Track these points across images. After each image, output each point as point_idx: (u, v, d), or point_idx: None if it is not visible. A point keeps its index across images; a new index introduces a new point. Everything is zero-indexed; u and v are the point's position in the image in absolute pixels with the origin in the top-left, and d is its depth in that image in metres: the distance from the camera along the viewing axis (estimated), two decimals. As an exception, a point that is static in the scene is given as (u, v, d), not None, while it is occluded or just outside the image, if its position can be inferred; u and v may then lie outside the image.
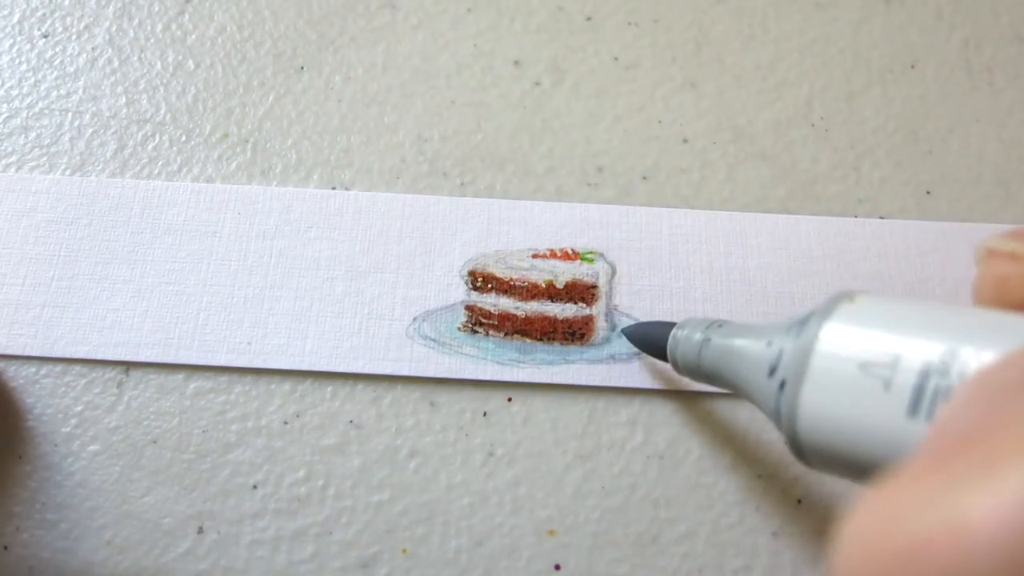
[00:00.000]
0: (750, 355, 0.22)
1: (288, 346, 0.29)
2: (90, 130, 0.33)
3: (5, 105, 0.33)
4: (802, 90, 0.34)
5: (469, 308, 0.29)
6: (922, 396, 0.16)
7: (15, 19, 0.35)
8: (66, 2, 0.35)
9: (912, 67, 0.35)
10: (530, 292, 0.30)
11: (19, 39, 0.35)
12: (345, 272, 0.30)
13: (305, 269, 0.30)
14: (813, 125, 0.33)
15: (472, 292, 0.30)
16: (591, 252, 0.30)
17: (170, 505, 0.27)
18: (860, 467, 0.17)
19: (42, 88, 0.33)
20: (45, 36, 0.35)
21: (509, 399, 0.28)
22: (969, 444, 0.11)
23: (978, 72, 0.35)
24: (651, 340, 0.27)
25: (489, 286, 0.30)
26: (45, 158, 0.32)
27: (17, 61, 0.34)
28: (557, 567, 0.26)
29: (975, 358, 0.15)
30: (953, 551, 0.10)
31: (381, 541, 0.26)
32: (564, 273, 0.30)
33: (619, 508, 0.27)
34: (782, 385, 0.19)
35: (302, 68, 0.34)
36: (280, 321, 0.29)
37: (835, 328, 0.18)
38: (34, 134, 0.32)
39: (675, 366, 0.25)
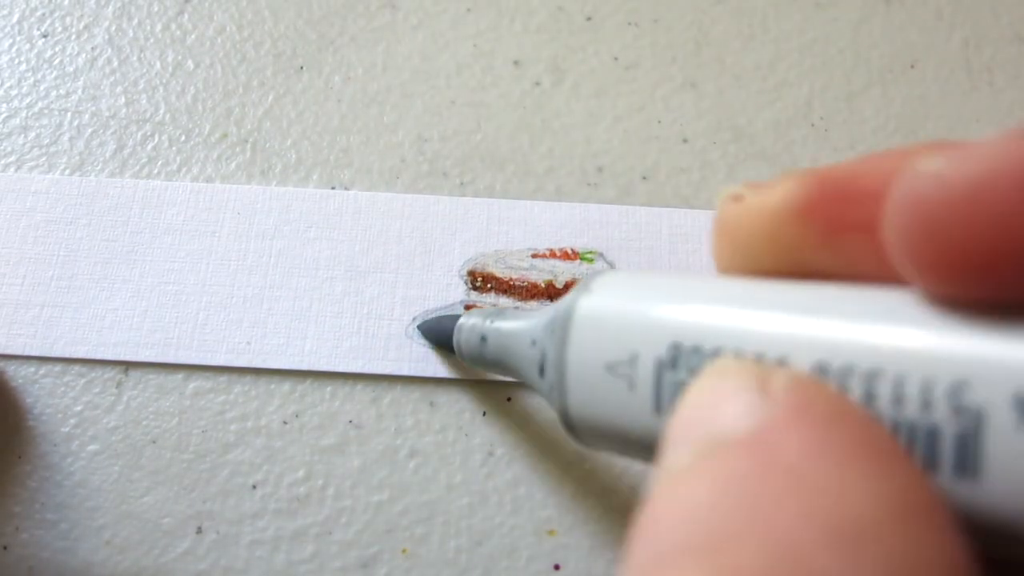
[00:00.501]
0: (521, 352, 0.21)
1: (287, 346, 0.29)
2: (89, 130, 0.33)
3: (4, 105, 0.33)
4: (802, 90, 0.34)
5: (469, 308, 0.29)
6: (662, 393, 0.15)
7: (14, 19, 0.35)
8: (65, 2, 0.35)
9: (912, 67, 0.35)
10: (530, 292, 0.30)
11: (18, 39, 0.34)
12: (344, 272, 0.30)
13: (304, 269, 0.30)
14: (813, 125, 0.33)
15: (472, 292, 0.30)
16: (591, 252, 0.30)
17: (169, 505, 0.27)
18: (630, 453, 0.17)
19: (41, 88, 0.33)
20: (44, 36, 0.35)
21: (509, 399, 0.28)
22: (643, 566, 0.11)
23: (978, 72, 0.35)
24: (440, 333, 0.27)
25: (489, 286, 0.30)
26: (44, 158, 0.32)
27: (16, 61, 0.34)
28: (557, 567, 0.26)
29: (695, 351, 0.15)
30: None
31: (381, 541, 0.26)
32: (564, 273, 0.30)
33: (619, 508, 0.27)
34: (551, 387, 0.19)
35: (302, 68, 0.34)
36: (279, 321, 0.29)
37: (580, 328, 0.17)
38: (33, 134, 0.32)
39: (462, 357, 0.25)
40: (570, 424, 0.18)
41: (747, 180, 0.18)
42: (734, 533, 0.10)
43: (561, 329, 0.18)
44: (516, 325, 0.22)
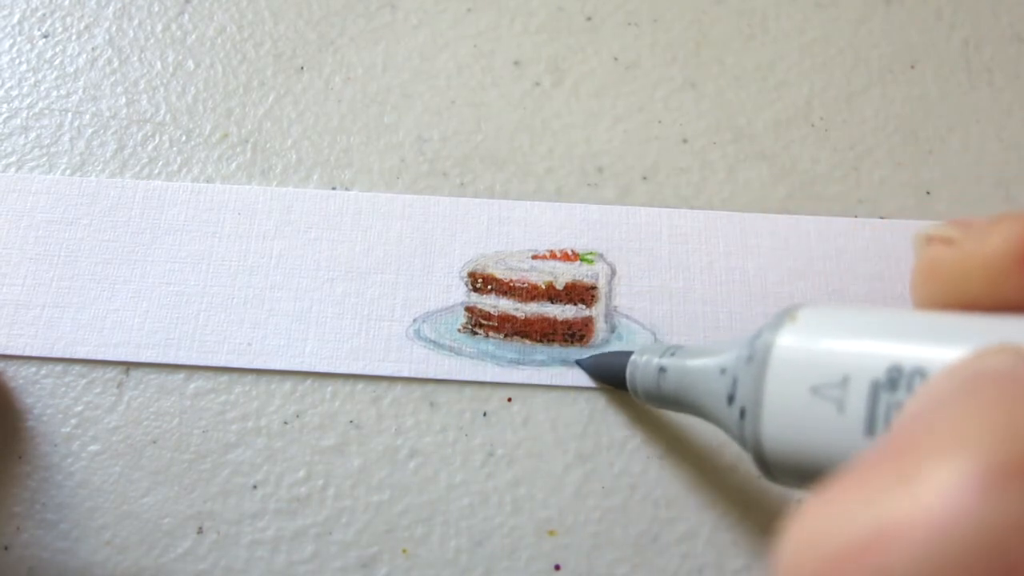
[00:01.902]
0: (707, 382, 0.21)
1: (288, 347, 0.29)
2: (90, 130, 0.33)
3: (5, 105, 0.33)
4: (802, 90, 0.34)
5: (469, 309, 0.29)
6: (875, 415, 0.15)
7: (15, 19, 0.35)
8: (66, 2, 0.35)
9: (912, 67, 0.35)
10: (530, 293, 0.30)
11: (19, 39, 0.35)
12: (345, 273, 0.30)
13: (305, 270, 0.30)
14: (813, 125, 0.33)
15: (472, 293, 0.30)
16: (591, 253, 0.30)
17: (170, 505, 0.27)
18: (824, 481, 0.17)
19: (42, 88, 0.33)
20: (45, 36, 0.35)
21: (509, 399, 0.28)
22: (903, 449, 0.11)
23: (978, 72, 0.35)
24: (609, 371, 0.27)
25: (489, 287, 0.30)
26: (45, 158, 0.32)
27: (17, 61, 0.34)
28: (557, 567, 0.26)
29: (918, 372, 0.15)
30: (876, 556, 0.10)
31: (381, 541, 0.26)
32: (564, 274, 0.30)
33: (619, 508, 0.27)
34: (742, 414, 0.19)
35: (302, 68, 0.34)
36: (280, 322, 0.29)
37: (783, 352, 0.18)
38: (34, 134, 0.32)
39: (635, 394, 0.25)
40: (760, 452, 0.18)
41: (950, 220, 0.18)
42: (997, 437, 0.11)
43: (762, 354, 0.18)
44: (702, 357, 0.22)
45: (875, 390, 0.15)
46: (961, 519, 0.10)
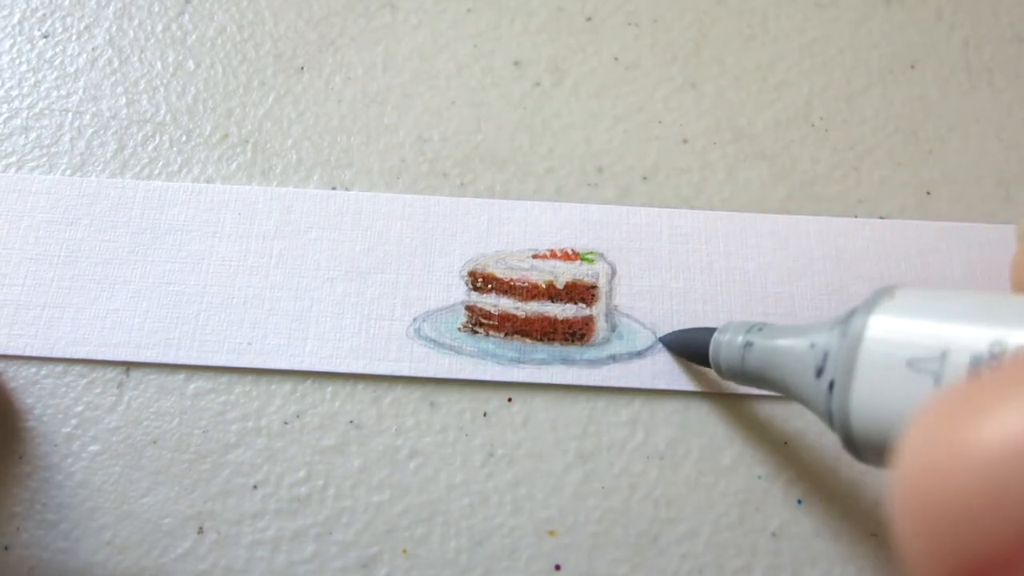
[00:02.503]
0: (794, 357, 0.21)
1: (288, 346, 0.29)
2: (90, 130, 0.33)
3: (5, 105, 0.33)
4: (802, 90, 0.34)
5: (469, 308, 0.29)
6: None
7: (15, 19, 0.35)
8: (66, 2, 0.35)
9: (912, 67, 0.35)
10: (530, 292, 0.30)
11: (19, 39, 0.35)
12: (345, 272, 0.30)
13: (305, 269, 0.30)
14: (813, 125, 0.33)
15: (472, 292, 0.30)
16: (591, 252, 0.30)
17: (170, 505, 0.27)
18: None
19: (42, 88, 0.33)
20: (45, 36, 0.35)
21: (509, 399, 0.28)
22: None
23: (978, 72, 0.35)
24: (691, 346, 0.27)
25: (489, 286, 0.30)
26: (45, 158, 0.32)
27: (17, 61, 0.34)
28: (557, 567, 0.26)
29: (1022, 348, 0.15)
30: (1005, 460, 0.10)
31: (381, 541, 0.26)
32: (564, 273, 0.30)
33: (619, 508, 0.27)
34: (831, 386, 0.19)
35: (302, 68, 0.34)
36: (280, 321, 0.29)
37: (879, 325, 0.18)
38: (34, 134, 0.32)
39: (719, 371, 0.25)
40: (847, 426, 0.18)
41: None
42: None
43: (858, 328, 0.18)
44: (791, 336, 0.22)
45: (976, 364, 0.15)
46: None
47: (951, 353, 0.16)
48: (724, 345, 0.25)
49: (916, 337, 0.17)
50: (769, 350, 0.23)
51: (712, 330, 0.26)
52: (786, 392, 0.22)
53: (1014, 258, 0.18)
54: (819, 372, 0.20)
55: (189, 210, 0.31)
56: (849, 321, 0.19)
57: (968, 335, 0.16)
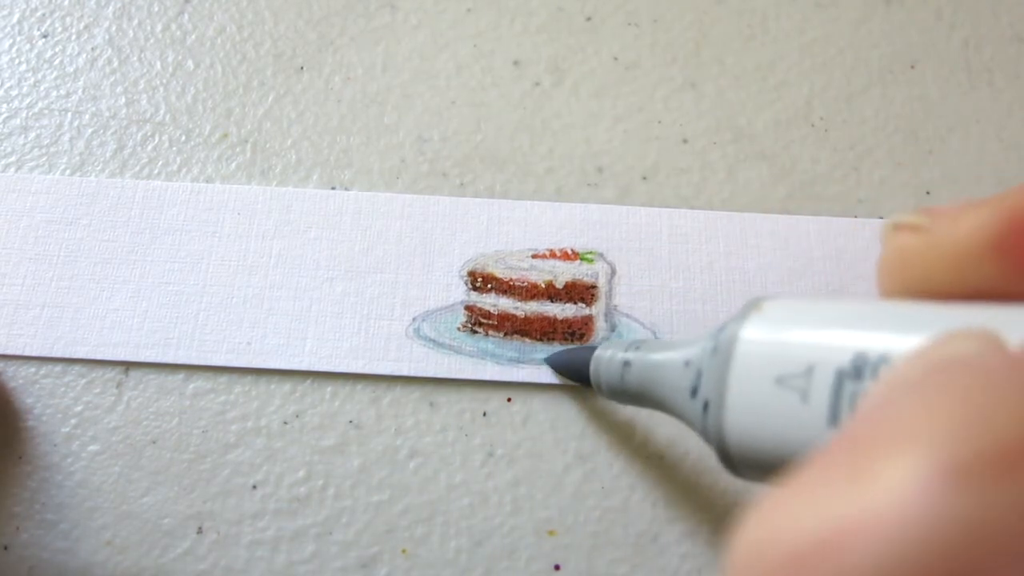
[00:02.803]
0: (670, 376, 0.21)
1: (288, 346, 0.29)
2: (90, 130, 0.33)
3: (5, 105, 0.33)
4: (802, 90, 0.34)
5: (469, 308, 0.29)
6: (839, 404, 0.15)
7: (14, 19, 0.35)
8: (66, 2, 0.35)
9: (912, 67, 0.35)
10: (530, 292, 0.30)
11: (19, 39, 0.34)
12: (345, 272, 0.30)
13: (305, 269, 0.30)
14: (813, 125, 0.33)
15: (472, 292, 0.30)
16: (591, 252, 0.30)
17: (170, 505, 0.27)
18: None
19: (41, 88, 0.33)
20: (44, 36, 0.35)
21: (509, 399, 0.28)
22: (859, 443, 0.11)
23: (978, 72, 0.35)
24: (573, 365, 0.27)
25: (489, 286, 0.30)
26: (45, 158, 0.32)
27: (16, 61, 0.34)
28: (557, 567, 0.26)
29: (883, 360, 0.15)
30: (830, 560, 0.10)
31: (381, 541, 0.26)
32: (564, 273, 0.30)
33: (619, 508, 0.27)
34: (705, 407, 0.19)
35: (302, 68, 0.34)
36: (280, 321, 0.29)
37: (748, 343, 0.18)
38: (34, 134, 0.32)
39: (599, 391, 0.25)
40: (724, 445, 0.18)
41: (919, 207, 0.18)
42: (957, 432, 0.10)
43: (726, 345, 0.18)
44: (666, 351, 0.22)
45: (840, 379, 0.15)
46: (913, 521, 0.09)
47: (816, 369, 0.16)
48: (604, 363, 0.24)
49: (783, 353, 0.17)
50: (647, 367, 0.22)
51: (593, 349, 0.26)
52: (668, 410, 0.22)
53: (879, 261, 0.17)
54: (694, 392, 0.20)
55: (188, 210, 0.31)
56: (719, 337, 0.19)
57: (832, 349, 0.16)
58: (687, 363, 0.20)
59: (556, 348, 0.29)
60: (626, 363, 0.23)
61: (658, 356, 0.22)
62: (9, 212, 0.31)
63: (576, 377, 0.27)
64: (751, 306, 0.18)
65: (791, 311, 0.18)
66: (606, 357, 0.24)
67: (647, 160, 0.32)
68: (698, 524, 0.27)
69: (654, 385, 0.22)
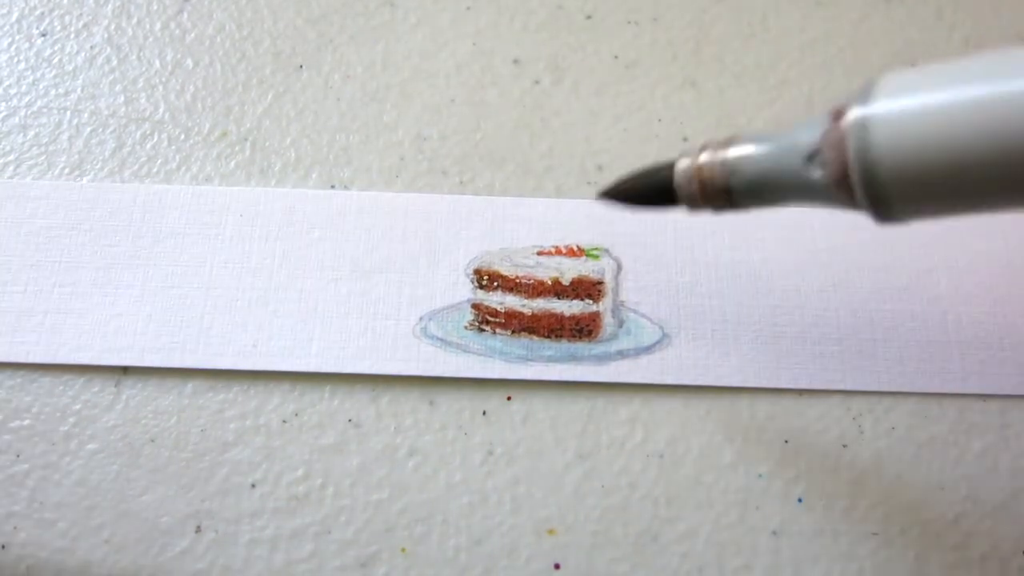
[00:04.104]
0: (786, 150, 0.21)
1: (294, 348, 0.29)
2: (88, 129, 0.32)
3: (4, 104, 0.33)
4: (802, 89, 0.34)
5: (475, 306, 0.29)
6: None
7: (13, 18, 0.35)
8: (64, 1, 0.35)
9: (912, 67, 0.35)
10: (536, 289, 0.29)
11: (17, 38, 0.34)
12: (350, 272, 0.30)
13: (309, 270, 0.30)
14: (813, 124, 0.33)
15: (478, 290, 0.30)
16: (596, 248, 0.30)
17: (168, 504, 0.27)
18: (967, 184, 0.18)
19: (40, 87, 0.33)
20: (43, 35, 0.35)
21: (508, 398, 0.28)
22: None
23: (978, 71, 0.35)
24: (647, 188, 0.24)
25: (495, 284, 0.30)
26: (43, 156, 0.32)
27: (15, 60, 0.34)
28: (557, 566, 0.26)
29: None
30: None
31: (380, 540, 0.26)
32: (570, 270, 0.30)
33: (619, 507, 0.27)
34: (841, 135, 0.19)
35: (301, 67, 0.34)
36: (285, 323, 0.29)
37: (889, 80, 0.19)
38: (32, 133, 0.32)
39: (693, 202, 0.23)
40: (872, 169, 0.19)
41: None
42: None
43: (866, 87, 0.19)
44: (764, 135, 0.22)
45: None
46: None
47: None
48: (706, 167, 0.22)
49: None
50: (752, 158, 0.22)
51: (662, 166, 0.24)
52: (778, 197, 0.22)
53: None
54: (811, 156, 0.20)
55: (190, 213, 0.31)
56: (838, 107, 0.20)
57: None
58: (795, 143, 0.21)
59: (564, 345, 0.29)
60: (724, 160, 0.22)
61: (762, 142, 0.22)
62: (9, 219, 0.31)
63: (651, 199, 0.24)
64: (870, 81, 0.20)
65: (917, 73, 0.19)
66: (700, 160, 0.23)
67: (647, 158, 0.32)
68: (698, 523, 0.27)
69: (765, 172, 0.21)
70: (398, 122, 0.33)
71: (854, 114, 0.19)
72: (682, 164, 0.23)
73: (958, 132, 0.17)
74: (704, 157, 0.22)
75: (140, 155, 0.32)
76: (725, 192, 0.22)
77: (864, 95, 0.19)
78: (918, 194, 0.19)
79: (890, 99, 0.19)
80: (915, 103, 0.18)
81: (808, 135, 0.20)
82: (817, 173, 0.20)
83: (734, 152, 0.22)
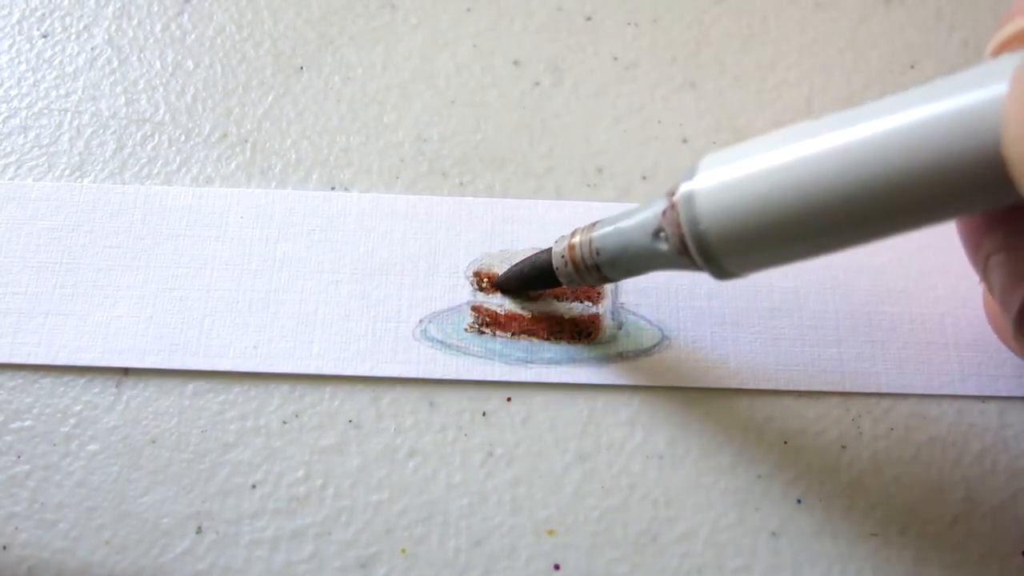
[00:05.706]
0: (637, 229, 0.24)
1: (295, 350, 0.29)
2: (89, 130, 0.33)
3: (4, 105, 0.33)
4: (802, 90, 0.34)
5: (475, 309, 0.29)
6: None
7: (14, 19, 0.35)
8: (65, 2, 0.35)
9: (912, 67, 0.35)
10: (536, 292, 0.30)
11: (18, 39, 0.34)
12: (350, 275, 0.30)
13: (310, 272, 0.30)
14: (813, 125, 0.33)
15: (478, 292, 0.30)
16: (596, 249, 0.30)
17: (169, 505, 0.27)
18: (788, 236, 0.21)
19: (41, 88, 0.33)
20: (44, 36, 0.35)
21: (508, 399, 0.28)
22: None
23: (978, 72, 0.35)
24: (531, 273, 0.28)
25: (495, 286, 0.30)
26: (44, 158, 0.32)
27: (16, 61, 0.34)
28: (556, 567, 0.26)
29: None
30: None
31: (380, 541, 0.26)
32: (569, 271, 0.30)
33: (618, 508, 0.27)
34: (672, 208, 0.22)
35: (301, 68, 0.34)
36: (286, 325, 0.29)
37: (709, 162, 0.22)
38: (33, 134, 0.32)
39: (570, 279, 0.27)
40: (701, 235, 0.21)
41: (1003, 16, 0.22)
42: None
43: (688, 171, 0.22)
44: (620, 215, 0.25)
45: None
46: None
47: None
48: (578, 247, 0.26)
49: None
50: (611, 235, 0.25)
51: (540, 251, 0.28)
52: (637, 267, 0.25)
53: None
54: (657, 232, 0.23)
55: (191, 215, 0.31)
56: (675, 185, 0.23)
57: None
58: (644, 220, 0.24)
59: (564, 347, 0.29)
60: (587, 241, 0.26)
61: (618, 221, 0.25)
62: (10, 220, 0.31)
63: (536, 283, 0.29)
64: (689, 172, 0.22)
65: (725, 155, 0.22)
66: (575, 241, 0.26)
67: (647, 160, 0.32)
68: (698, 524, 0.27)
69: (623, 245, 0.24)
70: (398, 123, 0.33)
71: (682, 190, 0.22)
72: (557, 248, 0.27)
73: (765, 194, 0.20)
74: (576, 239, 0.26)
75: (140, 156, 0.32)
76: (596, 268, 0.26)
77: (690, 173, 0.22)
78: (745, 251, 0.21)
79: (709, 173, 0.21)
80: (729, 174, 0.21)
81: (652, 213, 0.23)
82: (663, 246, 0.23)
83: (597, 233, 0.25)
